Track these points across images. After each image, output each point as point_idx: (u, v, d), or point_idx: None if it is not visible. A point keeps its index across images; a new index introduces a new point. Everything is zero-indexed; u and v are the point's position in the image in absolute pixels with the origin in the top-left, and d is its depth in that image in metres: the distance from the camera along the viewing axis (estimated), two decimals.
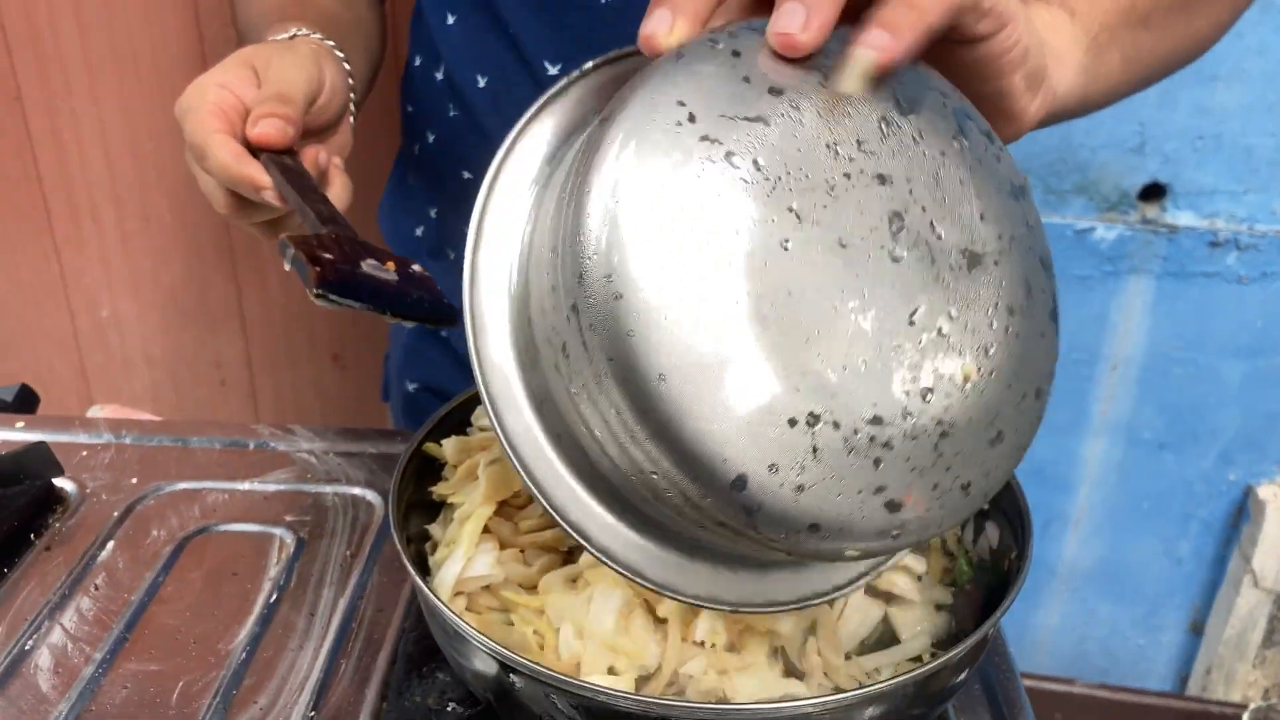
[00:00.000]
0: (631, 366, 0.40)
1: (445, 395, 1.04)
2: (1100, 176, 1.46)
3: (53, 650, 0.62)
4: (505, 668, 0.49)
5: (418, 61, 0.93)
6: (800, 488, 0.41)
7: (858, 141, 0.43)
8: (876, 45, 0.43)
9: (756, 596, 0.50)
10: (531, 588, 0.58)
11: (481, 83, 0.86)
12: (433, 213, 0.97)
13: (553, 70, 0.84)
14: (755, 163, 0.41)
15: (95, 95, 1.51)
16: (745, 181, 0.41)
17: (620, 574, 0.48)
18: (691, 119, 0.41)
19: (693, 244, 0.40)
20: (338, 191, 0.69)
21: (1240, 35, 1.35)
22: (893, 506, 0.43)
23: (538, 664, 0.48)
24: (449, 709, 0.59)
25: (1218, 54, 1.37)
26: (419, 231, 1.00)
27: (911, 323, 0.43)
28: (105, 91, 1.51)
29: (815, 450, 0.41)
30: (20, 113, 1.52)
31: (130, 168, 1.56)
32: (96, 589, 0.67)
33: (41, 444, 0.75)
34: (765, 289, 0.40)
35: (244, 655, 0.62)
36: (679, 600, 0.49)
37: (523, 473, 0.48)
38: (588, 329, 0.41)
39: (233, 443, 0.81)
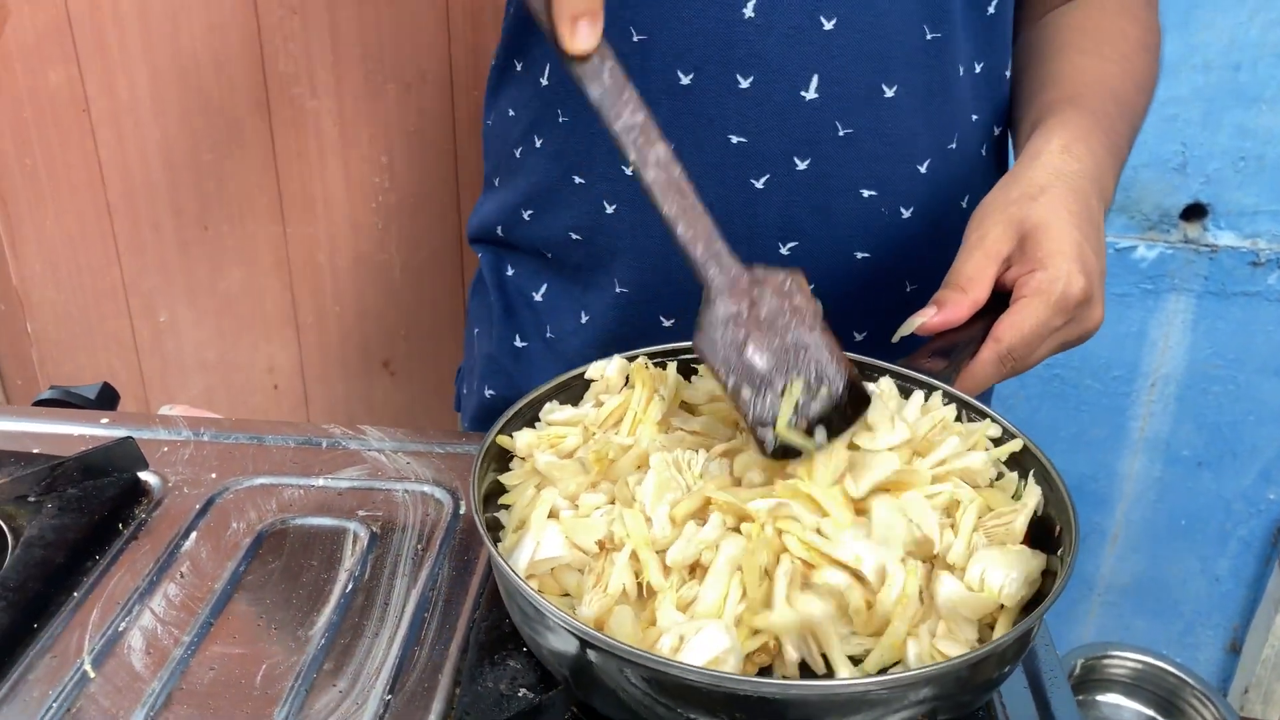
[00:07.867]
0: None
1: None
2: (1142, 196, 1.48)
3: (144, 632, 0.66)
4: (584, 644, 0.52)
5: (519, 66, 0.90)
6: None
7: None
8: None
9: None
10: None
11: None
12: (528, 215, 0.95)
13: (685, 80, 0.81)
14: None
15: (159, 107, 1.55)
16: None
17: None
18: None
19: None
20: None
21: None
22: None
23: (613, 639, 0.51)
24: (520, 694, 0.61)
25: (1261, 77, 1.39)
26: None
27: None
28: (169, 103, 1.55)
29: None
30: (88, 123, 1.57)
31: (190, 178, 1.61)
32: (182, 576, 0.70)
33: (129, 439, 0.78)
34: None
35: (323, 641, 0.65)
36: None
37: None
38: None
39: (306, 441, 0.85)
